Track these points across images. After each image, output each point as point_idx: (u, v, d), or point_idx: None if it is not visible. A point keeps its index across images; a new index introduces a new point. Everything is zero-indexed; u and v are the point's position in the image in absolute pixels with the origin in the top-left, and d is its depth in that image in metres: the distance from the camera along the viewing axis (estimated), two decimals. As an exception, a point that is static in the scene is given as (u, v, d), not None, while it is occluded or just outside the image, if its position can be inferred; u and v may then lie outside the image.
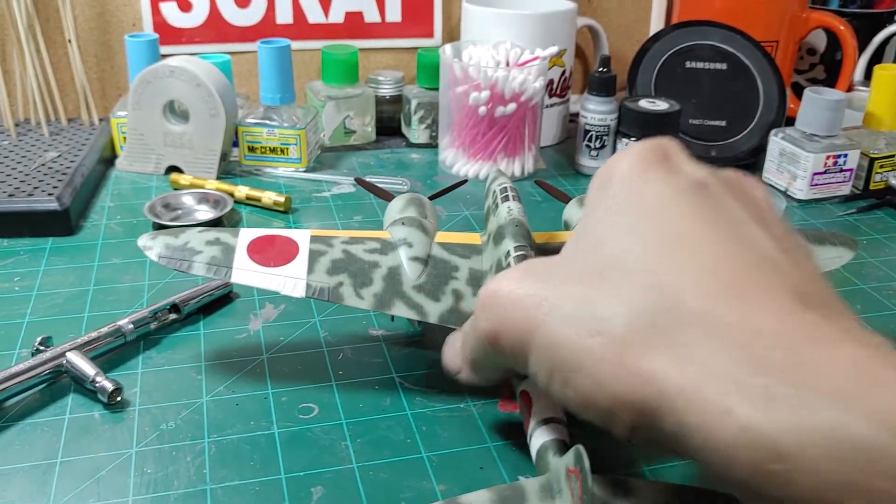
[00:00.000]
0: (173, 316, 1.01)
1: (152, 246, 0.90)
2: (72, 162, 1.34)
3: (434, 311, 0.88)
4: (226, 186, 1.33)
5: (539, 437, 0.71)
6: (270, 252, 0.91)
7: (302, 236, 0.93)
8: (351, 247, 0.92)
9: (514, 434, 0.84)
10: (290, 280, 0.89)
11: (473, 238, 0.96)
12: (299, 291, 0.88)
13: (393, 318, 0.96)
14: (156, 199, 1.29)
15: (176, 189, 1.36)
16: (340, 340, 0.99)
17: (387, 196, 1.11)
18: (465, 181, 1.29)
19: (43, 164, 1.31)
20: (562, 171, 1.55)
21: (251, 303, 1.06)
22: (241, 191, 1.32)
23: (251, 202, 1.32)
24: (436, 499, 0.75)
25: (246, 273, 0.89)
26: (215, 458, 0.80)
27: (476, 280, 0.91)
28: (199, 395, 0.89)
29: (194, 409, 0.87)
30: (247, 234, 0.93)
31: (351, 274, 0.89)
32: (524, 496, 0.64)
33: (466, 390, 0.91)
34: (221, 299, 1.06)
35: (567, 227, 1.01)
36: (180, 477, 0.78)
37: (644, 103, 1.47)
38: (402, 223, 0.95)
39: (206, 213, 1.29)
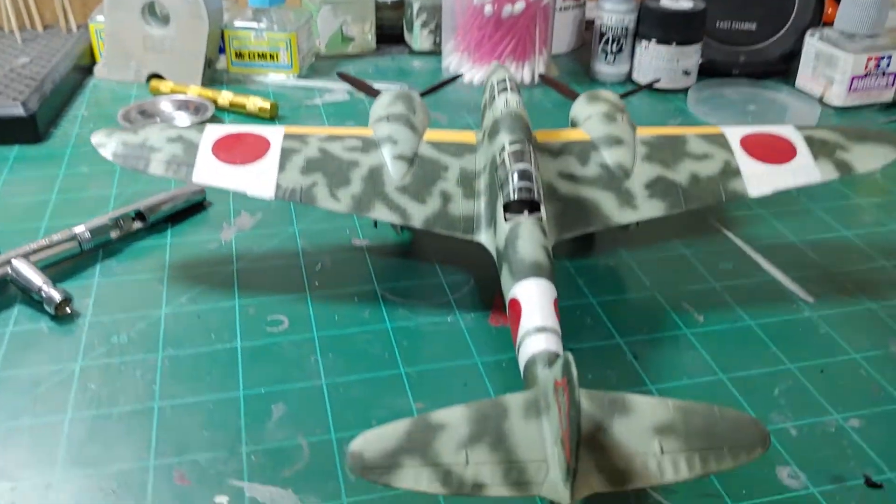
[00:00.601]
0: (138, 224, 0.92)
1: (107, 143, 0.81)
2: (42, 68, 1.24)
3: (418, 215, 0.78)
4: (208, 92, 1.23)
5: (528, 349, 0.61)
6: (238, 150, 0.81)
7: (275, 134, 0.83)
8: (328, 144, 0.82)
9: (504, 349, 0.75)
10: (258, 179, 0.79)
11: (468, 136, 0.86)
12: (268, 192, 0.78)
13: (376, 223, 0.86)
14: (131, 106, 1.19)
15: (156, 96, 1.26)
16: (320, 251, 0.90)
17: (372, 92, 1.00)
18: (459, 76, 1.17)
19: (11, 70, 1.22)
20: (576, 78, 1.42)
21: (225, 211, 0.97)
22: (225, 96, 1.22)
23: (235, 109, 1.22)
24: (412, 415, 0.65)
25: (209, 172, 0.79)
26: (168, 375, 0.72)
27: (467, 181, 0.80)
28: (158, 306, 0.80)
29: (151, 321, 0.78)
30: (213, 131, 0.83)
31: (327, 174, 0.79)
32: (506, 413, 0.55)
33: (455, 303, 0.81)
34: (193, 208, 0.97)
35: (573, 124, 0.90)
36: (127, 394, 0.70)
37: (666, 2, 1.33)
38: (388, 120, 0.85)
39: (185, 119, 1.19)
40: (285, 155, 0.80)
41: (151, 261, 0.88)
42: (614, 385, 0.71)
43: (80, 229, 0.87)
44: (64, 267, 0.86)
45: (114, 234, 0.90)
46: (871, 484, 0.62)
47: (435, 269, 0.86)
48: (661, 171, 0.81)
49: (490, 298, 0.81)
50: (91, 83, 1.35)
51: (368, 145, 0.82)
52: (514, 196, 0.72)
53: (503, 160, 0.76)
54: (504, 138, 0.78)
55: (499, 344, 0.76)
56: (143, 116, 1.19)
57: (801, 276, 0.87)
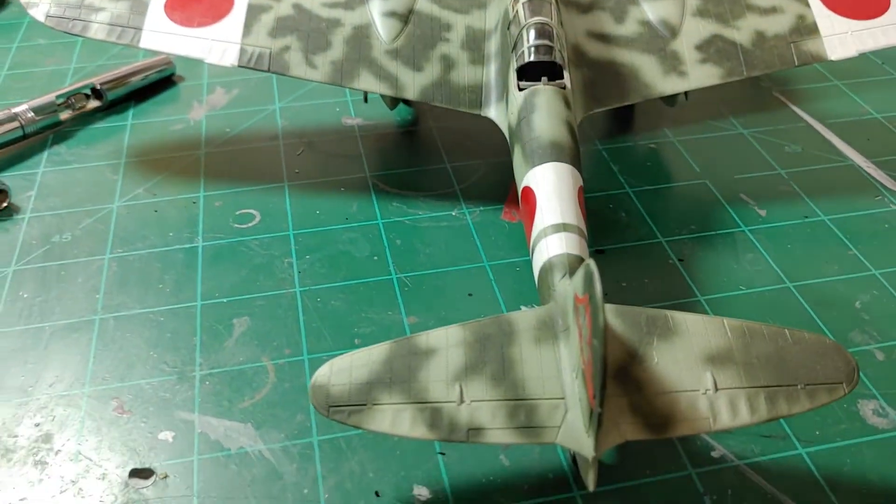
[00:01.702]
0: (94, 103, 0.79)
1: (39, 2, 0.66)
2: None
3: (413, 84, 0.63)
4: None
5: (543, 252, 0.47)
6: (197, 8, 0.66)
7: (240, -14, 0.68)
8: (304, 0, 0.67)
9: (520, 249, 0.61)
10: (219, 44, 0.64)
11: (477, -13, 0.70)
12: (229, 58, 0.64)
13: (366, 97, 0.72)
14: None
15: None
16: (304, 131, 0.76)
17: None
18: None
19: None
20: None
21: (198, 88, 0.83)
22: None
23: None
24: (402, 334, 0.53)
25: (160, 36, 0.65)
26: (114, 280, 0.60)
27: (475, 42, 0.65)
28: (110, 199, 0.68)
29: (100, 216, 0.66)
30: (166, -14, 0.68)
31: (302, 36, 0.64)
32: (513, 335, 0.42)
33: (462, 194, 0.68)
34: (161, 83, 0.83)
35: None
36: (64, 303, 0.58)
37: None
38: (378, -33, 0.69)
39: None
40: (252, 14, 0.65)
41: (107, 146, 0.74)
42: (653, 297, 0.57)
43: (21, 108, 0.74)
44: (3, 154, 0.73)
45: (64, 116, 0.76)
46: None
47: (439, 154, 0.72)
48: (718, 28, 0.65)
49: (504, 189, 0.67)
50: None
51: (353, 0, 0.67)
52: (529, 58, 0.57)
53: (517, 14, 0.60)
54: (520, -16, 0.63)
55: (513, 244, 0.62)
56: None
57: (886, 161, 0.71)
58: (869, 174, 0.70)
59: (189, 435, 0.49)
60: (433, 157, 0.72)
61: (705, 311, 0.56)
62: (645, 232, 0.64)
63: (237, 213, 0.66)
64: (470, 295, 0.58)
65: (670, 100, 0.67)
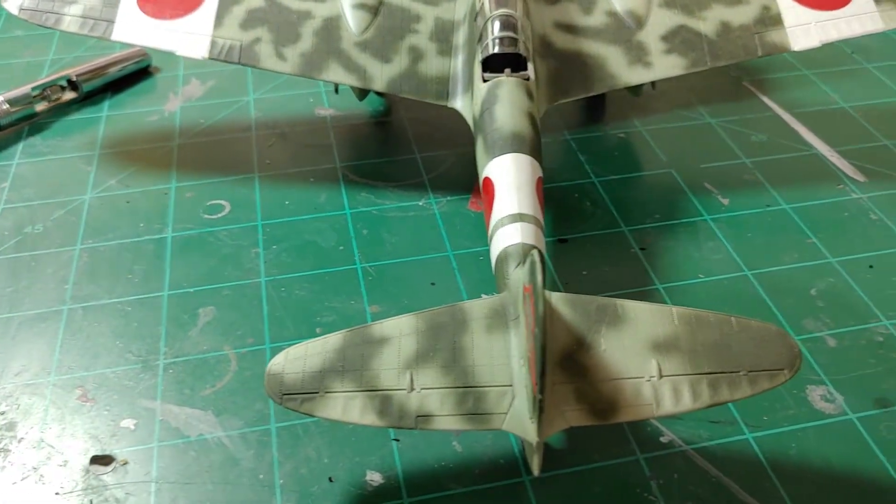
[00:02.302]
0: (70, 95, 0.79)
1: (13, -6, 0.67)
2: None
3: (381, 76, 0.64)
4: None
5: (500, 242, 0.48)
6: (168, 1, 0.67)
7: (211, -20, 0.68)
8: (275, -8, 0.67)
9: (485, 240, 0.62)
10: (190, 36, 0.65)
11: (446, -21, 0.70)
12: (200, 50, 0.64)
13: (337, 88, 0.73)
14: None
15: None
16: (277, 122, 0.76)
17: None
18: None
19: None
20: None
21: (173, 79, 0.84)
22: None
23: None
24: (363, 322, 0.54)
25: (133, 28, 0.65)
26: (84, 271, 0.61)
27: (443, 34, 0.66)
28: (83, 190, 0.69)
29: (72, 208, 0.67)
30: (139, -21, 0.68)
31: (272, 28, 0.65)
32: (465, 324, 0.43)
33: (430, 184, 0.68)
34: (137, 74, 0.84)
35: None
36: (34, 294, 0.59)
37: None
38: (348, -41, 0.70)
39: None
40: (224, 6, 0.66)
41: (82, 137, 0.75)
42: (613, 285, 0.58)
43: (-4, 100, 0.74)
44: (-21, 145, 0.74)
45: (40, 107, 0.77)
46: None
47: (409, 145, 0.73)
48: (683, 18, 0.65)
49: (472, 179, 0.67)
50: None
51: (324, -9, 0.67)
52: (493, 49, 0.58)
53: (482, 5, 0.61)
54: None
55: (478, 233, 0.63)
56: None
57: (850, 150, 0.72)
58: (832, 163, 0.70)
59: (150, 422, 0.50)
60: (403, 148, 0.73)
61: (663, 299, 0.57)
62: (609, 221, 0.64)
63: (208, 203, 0.67)
64: (433, 284, 0.59)
65: (635, 90, 0.67)
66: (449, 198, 0.67)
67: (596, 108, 0.78)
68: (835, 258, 0.61)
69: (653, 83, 0.67)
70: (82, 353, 0.55)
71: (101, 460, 0.48)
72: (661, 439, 0.48)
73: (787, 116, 0.76)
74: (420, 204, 0.66)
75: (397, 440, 0.48)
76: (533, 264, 0.40)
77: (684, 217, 0.65)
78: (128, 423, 0.50)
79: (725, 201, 0.66)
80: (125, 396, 0.52)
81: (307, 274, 0.60)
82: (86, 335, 0.56)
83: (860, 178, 0.69)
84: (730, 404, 0.50)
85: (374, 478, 0.47)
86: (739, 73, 0.82)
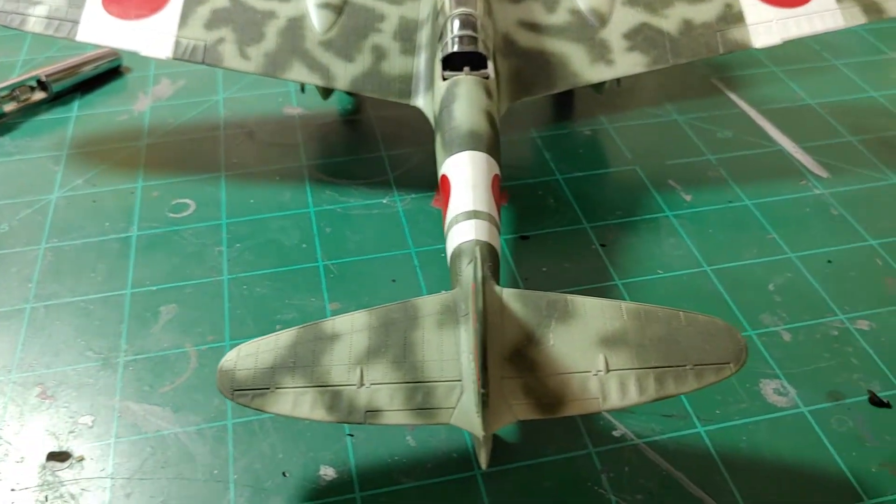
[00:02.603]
0: (39, 95, 0.80)
1: (-22, -5, 0.67)
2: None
3: (344, 75, 0.64)
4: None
5: (454, 238, 0.49)
6: (134, 1, 0.67)
7: (177, -21, 0.69)
8: (240, -9, 0.68)
9: (447, 237, 0.63)
10: (154, 36, 0.65)
11: (411, -22, 0.71)
12: (164, 51, 0.65)
13: (303, 87, 0.73)
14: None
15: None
16: (246, 122, 0.77)
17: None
18: None
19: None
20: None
21: (144, 79, 0.84)
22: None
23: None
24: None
25: (98, 29, 0.66)
26: (48, 270, 0.61)
27: (407, 33, 0.66)
28: (49, 190, 0.69)
29: (39, 207, 0.67)
30: (105, -21, 0.69)
31: (237, 27, 0.65)
32: (416, 321, 0.43)
33: (395, 181, 0.69)
34: (108, 74, 0.84)
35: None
36: (-4, 293, 0.59)
37: None
38: (314, -41, 0.70)
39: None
40: (189, 6, 0.66)
41: (51, 137, 0.75)
42: (572, 281, 0.58)
43: (-36, 100, 0.75)
44: (-53, 145, 0.74)
45: (9, 108, 0.77)
46: (876, 402, 0.50)
47: (376, 142, 0.73)
48: (646, 17, 0.66)
49: (436, 176, 0.68)
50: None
51: (288, -9, 0.68)
52: (453, 48, 0.58)
53: (443, 4, 0.61)
54: (449, -26, 0.64)
55: (440, 230, 0.62)
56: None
57: (814, 146, 0.72)
58: (797, 159, 0.71)
59: (109, 419, 0.50)
60: (370, 146, 0.73)
61: (621, 295, 0.58)
62: (571, 218, 0.65)
63: (173, 202, 0.67)
64: (393, 281, 0.59)
65: (598, 87, 0.68)
66: (413, 195, 0.67)
67: (564, 105, 0.78)
68: (794, 253, 0.61)
69: (618, 81, 0.68)
70: (44, 351, 0.55)
71: (58, 457, 0.48)
72: (614, 433, 0.49)
73: (753, 113, 0.77)
74: (384, 201, 0.66)
75: (352, 435, 0.49)
76: (474, 260, 0.40)
77: (647, 213, 0.65)
78: (86, 419, 0.51)
79: (688, 197, 0.67)
80: (84, 393, 0.52)
81: (269, 272, 0.60)
82: (48, 333, 0.56)
83: (823, 174, 0.69)
84: (683, 398, 0.50)
85: (328, 472, 0.47)
86: (708, 70, 0.82)
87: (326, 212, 0.65)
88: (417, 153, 0.71)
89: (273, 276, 0.60)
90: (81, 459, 0.48)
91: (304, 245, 0.62)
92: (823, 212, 0.65)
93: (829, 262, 0.60)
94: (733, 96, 0.79)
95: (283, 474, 0.47)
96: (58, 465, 0.48)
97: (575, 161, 0.71)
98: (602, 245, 0.62)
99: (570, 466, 0.47)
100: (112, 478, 0.47)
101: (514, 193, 0.67)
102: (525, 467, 0.47)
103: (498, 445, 0.48)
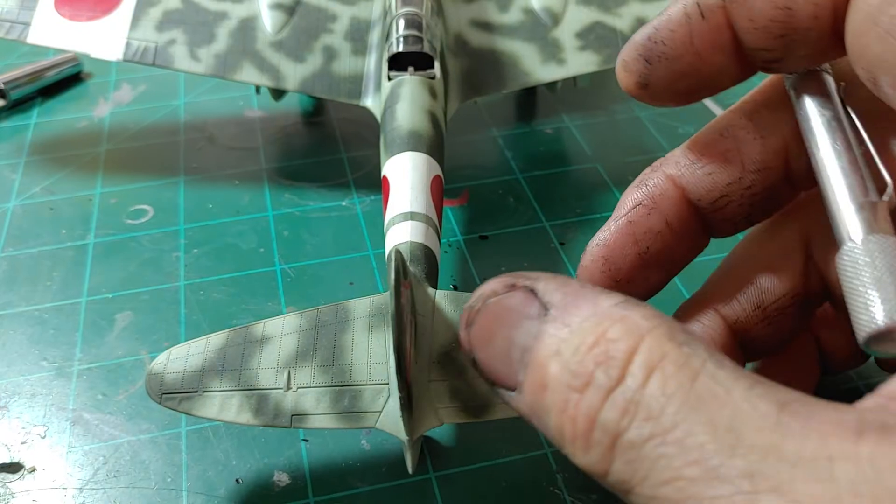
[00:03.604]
0: (-2, 102, 0.79)
1: (-72, 1, 0.67)
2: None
3: (294, 76, 0.64)
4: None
5: (391, 240, 0.48)
6: (86, 3, 0.67)
7: (131, -19, 0.68)
8: (193, -7, 0.67)
9: (406, 238, 0.63)
10: (105, 38, 0.65)
11: (367, -22, 0.70)
12: (115, 52, 0.64)
13: (258, 89, 0.72)
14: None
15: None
16: (206, 125, 0.76)
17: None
18: None
19: None
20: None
21: (105, 84, 0.83)
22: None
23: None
24: (279, 326, 0.54)
25: (49, 31, 0.65)
26: (3, 279, 0.60)
27: (358, 34, 0.66)
28: (6, 198, 0.68)
29: (-5, 216, 0.67)
30: (58, -18, 0.68)
31: (189, 29, 0.65)
32: (346, 323, 0.43)
33: (354, 183, 0.69)
34: (68, 80, 0.83)
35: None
36: (-51, 304, 0.59)
37: None
38: (269, -41, 0.70)
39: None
40: (140, 8, 0.66)
41: (8, 145, 0.75)
42: (530, 279, 0.58)
43: (-81, 109, 0.74)
44: None
45: (-34, 115, 0.77)
46: None
47: (336, 144, 0.73)
48: (599, 15, 0.66)
49: (391, 177, 0.68)
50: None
51: (241, -8, 0.67)
52: (398, 48, 0.58)
53: (390, 4, 0.61)
54: (398, -28, 0.64)
55: (400, 232, 0.63)
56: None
57: (774, 140, 0.72)
58: (756, 154, 0.71)
59: (62, 429, 0.50)
60: (331, 148, 0.73)
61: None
62: (530, 217, 0.65)
63: (131, 209, 0.67)
64: (351, 284, 0.59)
65: (551, 86, 0.68)
66: (373, 197, 0.67)
67: (526, 104, 0.78)
68: (751, 248, 0.61)
69: (574, 80, 0.68)
70: (-4, 362, 0.54)
71: (9, 468, 0.48)
72: (568, 432, 0.49)
73: (716, 108, 0.77)
74: (343, 204, 0.66)
75: (306, 440, 0.48)
76: (388, 261, 0.40)
77: (606, 211, 0.65)
78: (39, 429, 0.50)
79: (648, 194, 0.66)
80: (37, 403, 0.52)
81: (226, 277, 0.60)
82: (1, 343, 0.56)
83: (783, 168, 0.69)
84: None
85: (282, 478, 0.47)
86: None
87: (285, 215, 0.65)
88: (377, 155, 0.70)
89: (230, 281, 0.59)
90: (33, 470, 0.48)
91: (261, 249, 0.62)
92: (782, 206, 0.65)
93: (787, 256, 0.60)
94: (695, 92, 0.79)
95: (237, 481, 0.47)
96: (9, 476, 0.47)
97: (536, 160, 0.71)
98: (561, 244, 0.62)
99: (526, 468, 0.47)
100: (64, 488, 0.47)
101: (473, 193, 0.67)
102: (480, 469, 0.47)
103: (453, 448, 0.48)
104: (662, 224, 0.41)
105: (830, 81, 0.37)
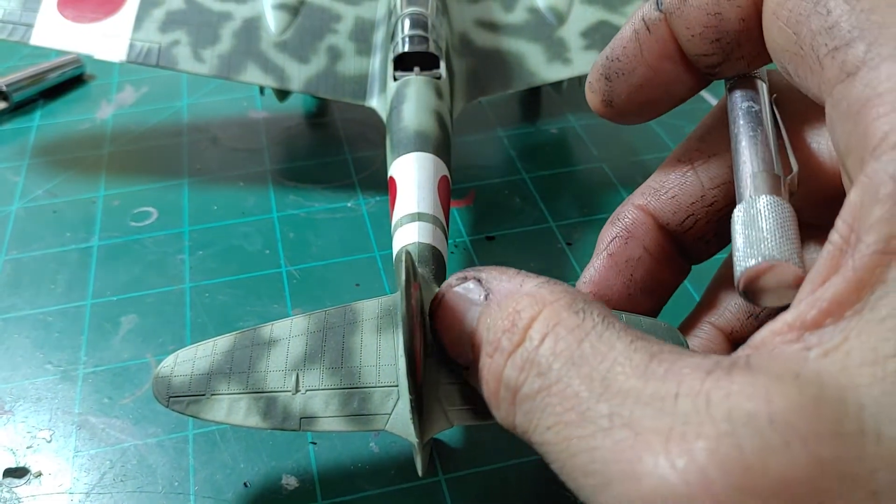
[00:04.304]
0: (0, 105, 0.79)
1: (-69, 3, 0.66)
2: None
3: (298, 76, 0.63)
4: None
5: (398, 241, 0.48)
6: (89, 4, 0.66)
7: (134, -18, 0.68)
8: (197, -7, 0.67)
9: (412, 239, 0.62)
10: (108, 39, 0.65)
11: (372, -22, 0.70)
12: (118, 53, 0.64)
13: (262, 90, 0.72)
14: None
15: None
16: (210, 126, 0.76)
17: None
18: None
19: None
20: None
21: (107, 86, 0.83)
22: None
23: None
24: (285, 328, 0.54)
25: (52, 32, 0.65)
26: (7, 282, 0.60)
27: (363, 34, 0.65)
28: (9, 201, 0.68)
29: (-2, 219, 0.66)
30: (61, -17, 0.68)
31: (192, 30, 0.65)
32: (355, 325, 0.42)
33: (359, 184, 0.68)
34: (71, 82, 0.83)
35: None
36: (-48, 308, 0.58)
37: None
38: (273, -40, 0.69)
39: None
40: (144, 8, 0.66)
41: (11, 148, 0.74)
42: (537, 279, 0.58)
43: (-79, 112, 0.74)
44: None
45: (-32, 118, 0.76)
46: None
47: (341, 145, 0.73)
48: (604, 14, 0.66)
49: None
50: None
51: (245, -6, 0.67)
52: (403, 48, 0.58)
53: (395, 4, 0.61)
54: (402, -28, 0.63)
55: (406, 233, 0.63)
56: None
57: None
58: (762, 153, 0.71)
59: (68, 433, 0.50)
60: (335, 149, 0.72)
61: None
62: (537, 217, 0.64)
63: (135, 211, 0.66)
64: (357, 285, 0.59)
65: (556, 86, 0.67)
66: (378, 198, 0.66)
67: (531, 104, 0.78)
68: (759, 247, 0.61)
69: (579, 80, 0.67)
70: (1, 365, 0.54)
71: (15, 473, 0.48)
72: (578, 433, 0.48)
73: (720, 108, 0.77)
74: (349, 205, 0.66)
75: (314, 443, 0.48)
76: (398, 263, 0.40)
77: (612, 211, 0.64)
78: (45, 434, 0.50)
79: (654, 194, 0.66)
80: (43, 407, 0.51)
81: (231, 279, 0.59)
82: (6, 347, 0.55)
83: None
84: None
85: (290, 481, 0.46)
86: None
87: (290, 217, 0.65)
88: (382, 155, 0.70)
89: (236, 283, 0.59)
90: (39, 475, 0.47)
91: (267, 251, 0.62)
92: (789, 205, 0.65)
93: (795, 255, 0.60)
94: (702, 91, 0.79)
95: (245, 484, 0.46)
96: (15, 481, 0.47)
97: (541, 160, 0.70)
98: (568, 244, 0.62)
99: (537, 470, 0.47)
100: (70, 493, 0.46)
101: (480, 193, 0.67)
102: (490, 471, 0.47)
103: (462, 450, 0.47)
104: (641, 250, 0.43)
105: (760, 83, 0.39)
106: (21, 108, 0.79)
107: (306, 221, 0.64)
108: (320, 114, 0.77)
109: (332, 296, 0.58)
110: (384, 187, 0.66)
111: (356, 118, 0.75)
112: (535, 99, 0.78)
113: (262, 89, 0.72)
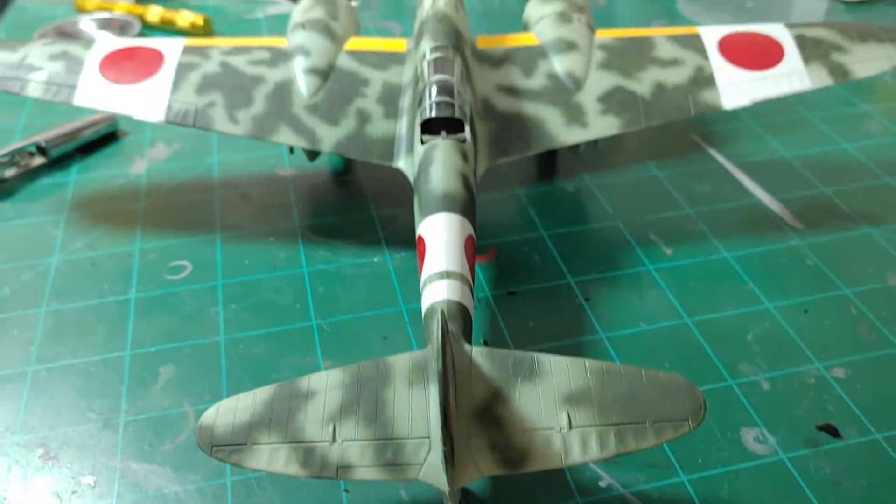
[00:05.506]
0: (39, 160, 0.82)
1: (-19, 65, 0.70)
2: (-43, -13, 1.13)
3: (329, 138, 0.67)
4: (137, 8, 1.11)
5: (428, 298, 0.51)
6: (129, 67, 0.70)
7: (172, 47, 0.71)
8: (232, 58, 0.71)
9: (436, 293, 0.65)
10: (147, 100, 0.68)
11: (397, 45, 0.74)
12: (157, 115, 0.67)
13: (292, 150, 0.76)
14: (49, 28, 1.08)
15: (80, 14, 1.14)
16: (239, 183, 0.79)
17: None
18: None
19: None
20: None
21: (140, 142, 0.87)
22: (154, 12, 1.10)
23: (165, 26, 1.10)
24: (317, 379, 0.56)
25: (94, 93, 0.68)
26: (49, 333, 0.63)
27: (390, 98, 0.69)
28: (50, 254, 0.71)
29: (39, 270, 0.69)
30: (103, 46, 0.71)
31: (226, 92, 0.68)
32: (387, 379, 0.45)
33: (385, 240, 0.71)
34: (105, 138, 0.86)
35: (526, 27, 0.78)
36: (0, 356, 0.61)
37: None
38: (304, 27, 0.73)
39: (112, 41, 1.08)
40: (181, 71, 0.69)
41: (50, 201, 0.78)
42: (559, 336, 0.61)
43: (-34, 168, 0.77)
44: (-51, 211, 0.76)
45: (9, 173, 0.80)
46: (830, 431, 0.53)
47: (366, 202, 0.76)
48: (620, 80, 0.69)
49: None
50: (16, 4, 1.23)
51: (278, 57, 0.71)
52: (431, 113, 0.61)
53: (422, 71, 0.64)
54: (426, 45, 0.67)
55: (430, 287, 0.66)
56: (63, 38, 1.07)
57: (790, 199, 0.75)
58: (773, 211, 0.73)
59: (111, 479, 0.52)
60: (361, 206, 0.75)
61: (606, 348, 0.60)
62: (555, 273, 0.67)
63: (170, 264, 0.69)
64: (385, 338, 0.61)
65: (574, 148, 0.70)
66: (404, 253, 0.69)
67: (548, 164, 0.81)
68: (771, 304, 0.63)
69: (595, 142, 0.70)
70: (46, 413, 0.56)
71: (61, 518, 0.50)
72: (600, 483, 0.50)
73: (731, 167, 0.80)
74: (375, 260, 0.69)
75: (348, 491, 0.50)
76: (440, 320, 0.42)
77: (628, 267, 0.67)
78: (88, 479, 0.52)
79: (669, 251, 0.69)
80: (86, 454, 0.53)
81: (264, 332, 0.62)
82: (50, 395, 0.58)
83: (799, 225, 0.72)
84: (666, 447, 0.52)
85: (324, 528, 0.48)
86: (688, 127, 0.86)
87: (319, 271, 0.68)
88: (406, 212, 0.73)
89: (268, 336, 0.61)
90: (84, 520, 0.49)
91: (297, 304, 0.64)
92: (799, 262, 0.68)
93: (806, 311, 0.63)
94: (712, 151, 0.82)
95: (281, 531, 0.48)
96: (61, 526, 0.49)
97: (559, 218, 0.73)
98: (586, 299, 0.64)
99: (560, 518, 0.49)
100: (114, 538, 0.48)
101: (500, 250, 0.70)
102: (515, 519, 0.49)
103: (489, 499, 0.49)
104: None
105: None
106: (58, 163, 0.83)
107: (335, 276, 0.67)
108: (346, 171, 0.80)
109: (361, 348, 0.60)
110: (409, 243, 0.70)
111: (380, 176, 0.78)
112: (551, 159, 0.82)
113: (291, 148, 0.75)
